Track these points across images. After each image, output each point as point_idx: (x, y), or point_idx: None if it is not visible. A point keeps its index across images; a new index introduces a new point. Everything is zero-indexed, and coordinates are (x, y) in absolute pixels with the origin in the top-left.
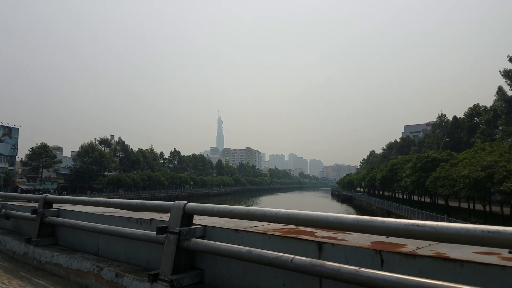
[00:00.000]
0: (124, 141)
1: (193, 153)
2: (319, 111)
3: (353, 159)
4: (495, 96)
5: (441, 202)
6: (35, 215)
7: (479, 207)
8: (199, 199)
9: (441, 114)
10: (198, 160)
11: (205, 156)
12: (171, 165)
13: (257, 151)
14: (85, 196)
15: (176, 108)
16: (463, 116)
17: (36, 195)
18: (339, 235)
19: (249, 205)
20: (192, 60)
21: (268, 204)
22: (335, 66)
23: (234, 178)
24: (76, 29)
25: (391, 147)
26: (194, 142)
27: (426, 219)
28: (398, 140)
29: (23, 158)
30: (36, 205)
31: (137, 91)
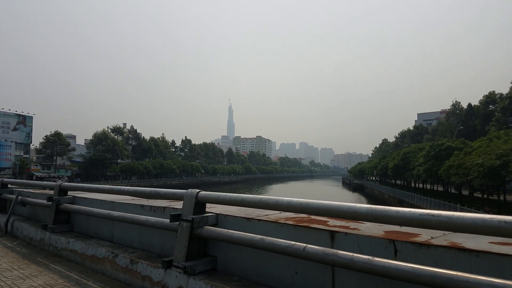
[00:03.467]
0: (136, 129)
1: (204, 141)
2: (330, 99)
3: (365, 147)
4: (511, 83)
5: (454, 191)
6: (50, 202)
7: (492, 196)
8: (210, 187)
9: (456, 101)
10: (209, 149)
11: (215, 144)
12: (182, 154)
13: (268, 139)
14: (99, 184)
15: (188, 97)
16: (478, 104)
17: (51, 183)
18: (352, 224)
19: (259, 194)
20: (203, 49)
21: (279, 192)
22: (347, 51)
23: (244, 166)
24: (89, 18)
25: (403, 135)
26: (205, 131)
27: (439, 208)
28: (411, 128)
29: (38, 146)
30: (52, 192)
31: (149, 80)
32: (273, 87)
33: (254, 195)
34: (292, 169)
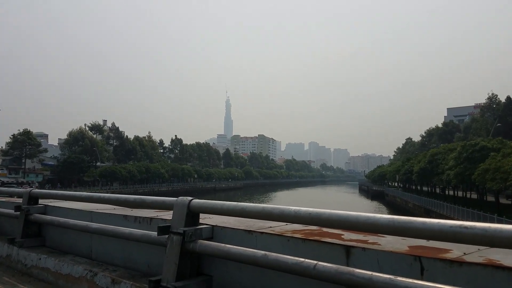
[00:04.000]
0: (118, 127)
1: (197, 141)
2: (344, 92)
3: (386, 148)
4: None
5: (491, 198)
6: (18, 212)
7: None
8: (204, 195)
9: (492, 94)
10: (203, 150)
11: (211, 144)
12: (172, 155)
13: (271, 139)
14: (74, 191)
15: (178, 90)
16: None
17: (20, 190)
18: (371, 238)
19: (262, 202)
20: (195, 35)
21: (285, 201)
22: (362, 36)
23: (244, 170)
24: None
25: (431, 134)
26: (199, 129)
27: (473, 219)
28: (440, 125)
29: (3, 147)
30: (20, 200)
31: (132, 71)
32: (277, 79)
33: (256, 204)
34: (300, 173)
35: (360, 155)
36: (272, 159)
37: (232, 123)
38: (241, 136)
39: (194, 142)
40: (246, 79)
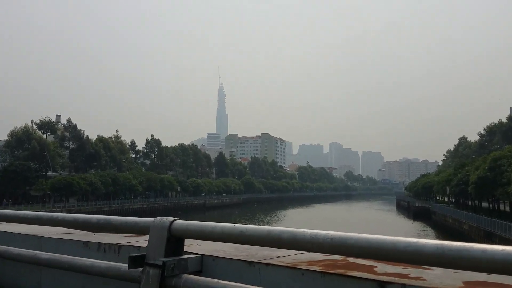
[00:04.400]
0: (75, 125)
1: (181, 142)
2: (375, 78)
3: (432, 150)
4: None
5: None
6: None
7: None
8: (190, 214)
9: None
10: (188, 154)
11: (199, 147)
12: (147, 161)
13: (279, 139)
14: (18, 209)
15: (155, 76)
16: None
17: None
18: (413, 271)
19: (267, 223)
20: (179, 4)
21: (297, 221)
22: (399, 4)
23: (244, 181)
24: None
25: (492, 132)
26: (183, 127)
27: None
28: (504, 120)
29: None
30: None
31: (94, 52)
32: (286, 63)
33: (259, 226)
34: (318, 184)
35: (398, 160)
36: (281, 166)
37: (227, 118)
38: (239, 135)
39: (177, 144)
40: (245, 62)
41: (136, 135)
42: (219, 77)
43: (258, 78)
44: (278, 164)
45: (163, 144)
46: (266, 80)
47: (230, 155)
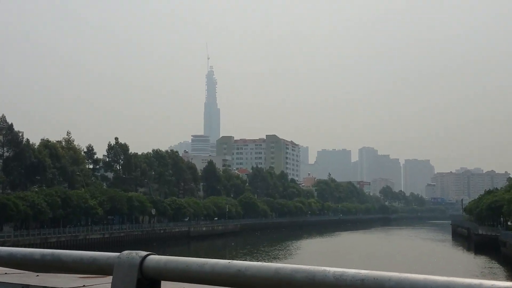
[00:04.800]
0: (12, 125)
1: (155, 148)
2: (420, 64)
3: (500, 159)
4: None
5: None
6: None
7: None
8: (170, 246)
9: None
10: (166, 163)
11: (181, 154)
12: (110, 174)
13: (291, 142)
14: None
15: (118, 60)
16: None
17: None
18: None
19: (275, 259)
20: None
21: (316, 257)
22: None
23: (242, 200)
24: None
25: None
26: (159, 127)
27: None
28: None
29: None
30: None
31: (37, 30)
32: (300, 41)
33: (263, 263)
34: (344, 205)
35: (453, 171)
36: (293, 180)
37: (219, 114)
38: (235, 138)
39: (151, 151)
40: (243, 37)
41: (94, 139)
42: (208, 58)
43: (261, 61)
44: (290, 177)
45: (132, 150)
46: (272, 64)
47: (224, 165)
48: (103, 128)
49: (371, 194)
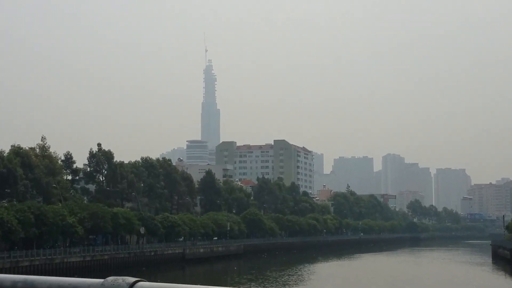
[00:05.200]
0: None
1: (145, 156)
2: (450, 59)
3: None
4: None
5: None
6: None
7: None
8: (162, 270)
9: None
10: (157, 173)
11: (174, 162)
12: (91, 186)
13: (303, 148)
14: None
15: (103, 54)
16: None
17: None
18: None
19: (285, 285)
20: None
21: (334, 285)
22: None
23: (246, 216)
24: None
25: None
26: (149, 132)
27: None
28: None
29: None
30: None
31: (13, 27)
32: (310, 32)
33: None
34: (365, 222)
35: (493, 182)
36: (306, 193)
37: (219, 116)
38: (237, 144)
39: (139, 159)
40: (247, 28)
41: (74, 145)
42: (206, 50)
43: (265, 55)
44: (302, 189)
45: (117, 159)
46: (280, 59)
47: (225, 176)
48: (84, 133)
49: (397, 209)
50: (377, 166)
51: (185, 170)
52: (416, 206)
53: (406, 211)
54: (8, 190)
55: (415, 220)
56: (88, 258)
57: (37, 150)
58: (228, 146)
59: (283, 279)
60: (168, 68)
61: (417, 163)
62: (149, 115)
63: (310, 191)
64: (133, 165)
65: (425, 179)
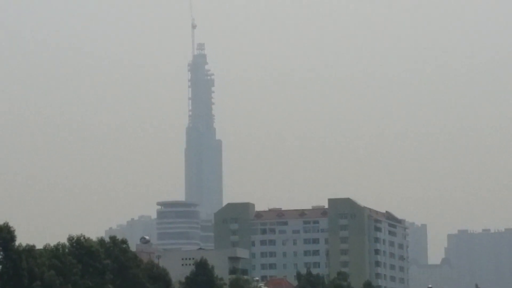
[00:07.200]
0: None
1: (77, 234)
2: None
3: None
4: None
5: None
6: None
7: None
8: None
9: None
10: (98, 266)
11: (134, 245)
12: None
13: (387, 214)
14: None
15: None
16: None
17: None
18: None
19: None
20: None
21: None
22: None
23: None
24: None
25: None
26: (86, 190)
27: None
28: None
29: None
30: None
31: None
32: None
33: None
34: None
35: None
36: None
37: (220, 152)
38: (257, 208)
39: (65, 239)
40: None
41: None
42: (193, 19)
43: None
44: None
45: (22, 241)
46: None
47: (234, 270)
48: None
49: None
50: None
51: (156, 260)
52: None
53: None
54: None
55: None
56: None
57: None
58: (238, 212)
59: None
60: (131, 69)
61: None
62: (91, 158)
63: None
64: (52, 252)
65: None
